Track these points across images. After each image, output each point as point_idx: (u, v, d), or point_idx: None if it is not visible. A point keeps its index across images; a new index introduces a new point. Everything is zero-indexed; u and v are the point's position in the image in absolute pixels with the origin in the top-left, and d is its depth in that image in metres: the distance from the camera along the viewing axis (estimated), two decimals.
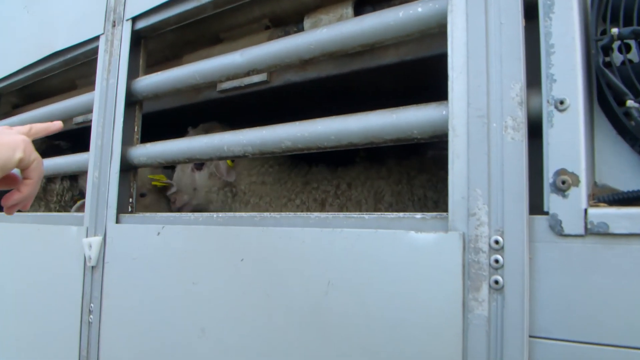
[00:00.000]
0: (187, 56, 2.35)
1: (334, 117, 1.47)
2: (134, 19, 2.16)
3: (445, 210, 1.19)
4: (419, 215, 1.25)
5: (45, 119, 2.69)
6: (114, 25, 2.26)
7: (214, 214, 1.71)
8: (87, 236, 2.18)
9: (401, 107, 1.34)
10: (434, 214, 1.25)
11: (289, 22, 1.99)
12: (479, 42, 1.21)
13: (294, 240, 1.42)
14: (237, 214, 1.67)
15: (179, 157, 1.89)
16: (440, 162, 2.39)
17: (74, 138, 3.43)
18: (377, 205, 2.33)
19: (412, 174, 2.36)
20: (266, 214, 1.58)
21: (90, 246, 2.12)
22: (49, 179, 3.58)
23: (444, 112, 1.26)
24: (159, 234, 1.84)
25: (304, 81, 1.93)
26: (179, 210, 2.86)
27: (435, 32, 1.37)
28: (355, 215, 1.35)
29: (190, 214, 1.81)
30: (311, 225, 1.43)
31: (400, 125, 1.33)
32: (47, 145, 3.47)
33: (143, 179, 3.07)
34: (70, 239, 2.27)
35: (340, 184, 2.41)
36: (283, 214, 1.54)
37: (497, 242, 1.12)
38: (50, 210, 3.61)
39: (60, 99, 2.65)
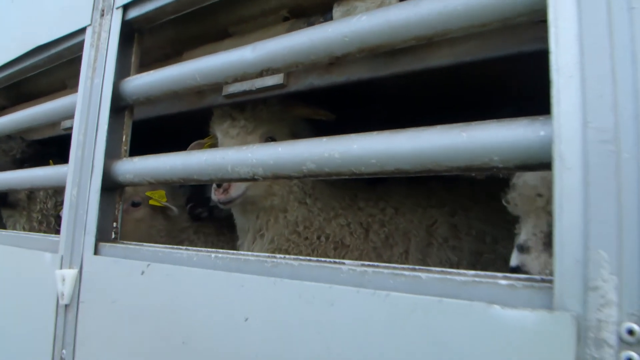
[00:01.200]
0: (189, 53, 1.98)
1: (375, 133, 1.09)
2: (125, 7, 1.80)
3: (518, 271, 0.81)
4: (503, 280, 0.86)
5: (24, 123, 2.32)
6: (102, 15, 1.90)
7: (212, 254, 1.32)
8: (61, 267, 1.81)
9: (475, 123, 0.95)
10: (526, 278, 0.86)
11: (314, 12, 1.61)
12: (598, 34, 0.82)
13: (319, 302, 1.04)
14: (243, 254, 1.29)
15: (173, 177, 1.51)
16: (493, 189, 2.01)
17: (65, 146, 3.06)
18: (429, 239, 1.94)
19: (466, 204, 1.97)
20: (280, 258, 1.20)
21: (64, 280, 1.75)
22: None
23: (542, 133, 0.88)
24: (143, 273, 1.47)
25: (329, 86, 1.55)
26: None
27: (521, 21, 0.99)
28: (407, 273, 0.96)
29: (183, 250, 1.43)
30: (343, 281, 1.04)
31: (472, 149, 0.94)
32: (33, 153, 3.11)
33: None
34: (43, 268, 1.90)
35: (385, 208, 2.03)
36: (304, 259, 1.15)
37: (631, 332, 0.74)
38: (32, 222, 3.24)
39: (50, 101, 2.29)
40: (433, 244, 1.93)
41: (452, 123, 1.01)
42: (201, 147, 2.15)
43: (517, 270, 1.26)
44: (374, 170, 1.07)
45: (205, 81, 1.49)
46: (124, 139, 1.82)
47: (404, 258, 1.95)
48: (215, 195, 1.97)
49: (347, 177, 1.14)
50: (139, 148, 2.40)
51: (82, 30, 1.99)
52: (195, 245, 2.68)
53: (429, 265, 1.88)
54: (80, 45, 1.98)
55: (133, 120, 1.97)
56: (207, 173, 1.40)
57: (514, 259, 1.28)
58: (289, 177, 1.23)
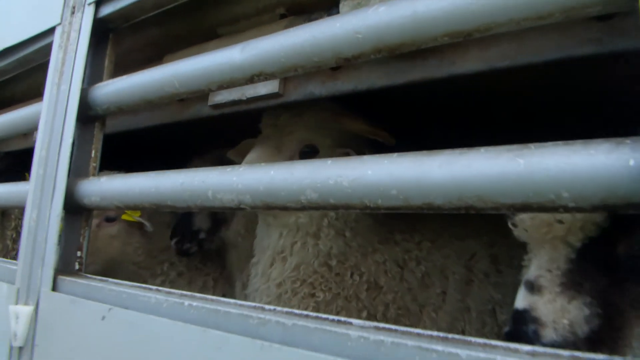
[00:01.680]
0: (171, 56, 1.73)
1: (396, 155, 0.84)
2: (98, 3, 1.55)
3: None
4: None
5: None
6: (73, 12, 1.65)
7: (186, 301, 1.06)
8: (16, 302, 1.55)
9: (536, 146, 0.70)
10: None
11: (316, 8, 1.37)
12: None
13: None
14: (224, 303, 1.03)
15: (143, 201, 1.26)
16: None
17: None
18: (469, 275, 1.67)
19: (502, 231, 1.69)
20: (270, 311, 0.94)
21: (17, 318, 1.48)
22: None
23: (633, 163, 0.63)
24: (104, 318, 1.20)
25: (333, 96, 1.31)
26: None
27: (589, 13, 0.75)
28: (439, 347, 0.70)
29: (151, 292, 1.17)
30: (351, 353, 0.78)
31: (533, 181, 0.69)
32: (5, 167, 2.84)
33: None
34: None
35: (422, 241, 1.75)
36: (299, 315, 0.90)
37: None
38: (5, 239, 2.98)
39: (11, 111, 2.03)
40: (473, 281, 1.67)
41: (493, 144, 0.77)
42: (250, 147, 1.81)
43: (523, 313, 1.00)
44: (395, 204, 0.82)
45: (186, 88, 1.24)
46: (92, 155, 1.56)
47: (442, 300, 1.67)
48: None
49: (358, 210, 0.89)
50: (119, 165, 2.16)
51: (51, 30, 1.74)
52: (177, 269, 2.40)
53: (469, 307, 1.62)
54: (50, 47, 1.74)
55: (108, 133, 1.73)
56: (182, 199, 1.14)
57: (521, 300, 1.01)
58: (284, 208, 0.98)
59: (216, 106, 1.53)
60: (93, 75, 1.62)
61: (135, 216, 2.23)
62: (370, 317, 1.62)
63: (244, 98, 1.45)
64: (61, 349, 1.33)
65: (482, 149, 0.76)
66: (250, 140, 1.83)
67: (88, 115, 1.55)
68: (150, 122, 1.76)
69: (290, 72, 1.05)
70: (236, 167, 1.06)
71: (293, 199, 0.94)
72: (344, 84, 1.26)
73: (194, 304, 1.04)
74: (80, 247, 1.54)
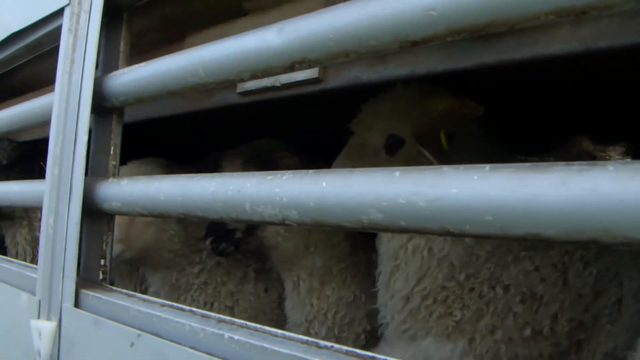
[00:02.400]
0: (192, 37, 1.55)
1: (489, 168, 0.66)
2: None
3: None
4: None
5: None
6: None
7: (226, 332, 0.91)
8: (38, 316, 1.42)
9: None
10: None
11: None
12: None
13: None
14: (269, 336, 0.87)
15: (169, 211, 1.10)
16: None
17: None
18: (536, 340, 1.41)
19: (575, 262, 1.45)
20: (335, 353, 0.78)
21: (40, 335, 1.36)
22: None
23: None
24: (132, 345, 1.06)
25: (384, 81, 1.12)
26: None
27: None
28: None
29: (184, 317, 1.02)
30: None
31: None
32: (21, 156, 2.71)
33: None
34: (18, 313, 1.52)
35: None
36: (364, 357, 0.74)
37: None
38: (34, 231, 2.86)
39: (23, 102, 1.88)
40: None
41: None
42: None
43: None
44: (489, 232, 0.64)
45: (213, 77, 1.06)
46: (111, 152, 1.41)
47: (617, 310, 1.42)
48: None
49: (437, 235, 0.71)
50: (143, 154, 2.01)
51: (60, 12, 1.57)
52: (215, 258, 2.22)
53: None
54: (59, 31, 1.57)
55: (126, 123, 1.57)
56: (214, 210, 0.98)
57: None
58: (340, 228, 0.81)
59: (245, 93, 1.35)
60: (107, 61, 1.45)
61: None
62: (536, 333, 1.39)
63: (278, 84, 1.27)
64: None
65: (610, 165, 0.58)
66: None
67: (104, 107, 1.39)
68: (170, 111, 1.59)
69: (340, 59, 0.86)
70: (278, 174, 0.89)
71: (351, 218, 0.77)
72: (398, 68, 1.07)
73: (236, 337, 0.88)
74: (103, 254, 1.40)
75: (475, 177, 0.66)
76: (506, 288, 1.41)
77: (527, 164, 0.64)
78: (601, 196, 0.56)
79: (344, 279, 1.89)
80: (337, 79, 1.18)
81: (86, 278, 1.38)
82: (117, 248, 2.07)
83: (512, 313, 1.40)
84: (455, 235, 0.68)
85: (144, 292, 2.41)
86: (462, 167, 0.69)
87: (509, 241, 1.44)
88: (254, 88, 1.32)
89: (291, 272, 1.96)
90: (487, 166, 0.66)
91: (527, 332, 1.39)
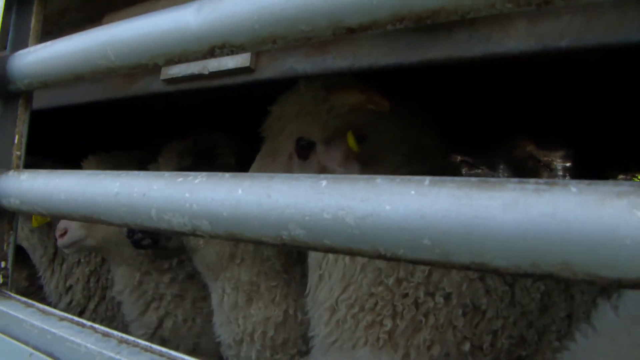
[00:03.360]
0: (110, 16, 1.38)
1: (428, 182, 0.55)
2: None
3: None
4: None
5: None
6: None
7: (124, 357, 0.78)
8: None
9: None
10: None
11: None
12: None
13: None
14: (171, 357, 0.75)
15: (70, 212, 0.95)
16: None
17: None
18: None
19: None
20: None
21: None
22: None
23: None
24: None
25: (322, 74, 1.00)
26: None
27: None
28: None
29: (83, 336, 0.88)
30: None
31: None
32: None
33: None
34: None
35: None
36: None
37: None
38: None
39: None
40: None
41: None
42: None
43: None
44: (427, 257, 0.54)
45: (123, 61, 0.92)
46: (16, 141, 1.23)
47: (566, 325, 1.32)
48: None
49: (368, 257, 0.60)
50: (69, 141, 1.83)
51: None
52: (186, 269, 2.07)
53: None
54: None
55: (42, 108, 1.41)
56: (117, 215, 0.84)
57: None
58: (259, 243, 0.69)
59: (170, 81, 1.21)
60: (16, 39, 1.28)
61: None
62: (475, 349, 1.29)
63: (206, 72, 1.13)
64: None
65: (573, 186, 0.48)
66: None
67: (8, 90, 1.22)
68: (87, 97, 1.43)
69: (267, 45, 0.74)
70: (190, 176, 0.76)
71: (270, 233, 0.65)
72: (337, 60, 0.96)
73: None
74: (4, 256, 1.23)
75: (412, 192, 0.55)
76: (447, 297, 1.31)
77: (473, 179, 0.53)
78: (561, 223, 0.47)
79: (273, 297, 1.70)
80: (270, 69, 1.06)
81: None
82: (79, 233, 1.93)
83: (452, 326, 1.31)
84: (388, 259, 0.57)
85: None
86: (397, 179, 0.58)
87: None
88: (179, 75, 1.18)
89: (215, 283, 1.78)
90: (427, 179, 0.56)
91: (466, 347, 1.30)
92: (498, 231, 0.49)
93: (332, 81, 1.29)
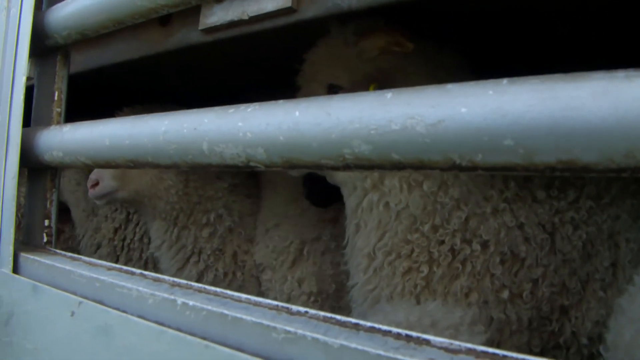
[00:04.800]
0: None
1: (507, 82, 0.51)
2: None
3: None
4: None
5: None
6: None
7: (179, 297, 0.76)
8: None
9: None
10: None
11: None
12: None
13: None
14: (232, 301, 0.73)
15: (116, 158, 0.93)
16: None
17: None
18: None
19: (565, 223, 1.31)
20: (303, 317, 0.64)
21: None
22: None
23: None
24: (73, 314, 0.91)
25: (369, 8, 0.96)
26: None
27: None
28: None
29: (134, 281, 0.87)
30: None
31: None
32: None
33: None
34: None
35: (579, 199, 1.33)
36: (349, 328, 0.60)
37: None
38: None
39: None
40: None
41: None
42: None
43: None
44: (509, 161, 0.50)
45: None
46: (55, 98, 1.23)
47: (612, 274, 1.30)
48: None
49: (440, 170, 0.57)
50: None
51: None
52: (225, 223, 2.04)
53: None
54: None
55: (78, 72, 1.40)
56: (167, 154, 0.82)
57: None
58: (318, 167, 0.66)
59: (209, 30, 1.18)
60: None
61: None
62: (514, 296, 1.28)
63: (246, 17, 1.10)
64: (23, 348, 1.04)
65: None
66: None
67: (46, 45, 1.21)
68: (124, 55, 1.41)
69: None
70: (242, 107, 0.73)
71: (331, 153, 0.62)
72: None
73: (190, 303, 0.73)
74: (47, 214, 1.23)
75: (490, 91, 0.51)
76: (484, 245, 1.28)
77: (558, 74, 0.49)
78: None
79: None
80: (313, 8, 1.02)
81: (27, 241, 1.22)
82: (111, 185, 1.88)
83: (490, 274, 1.28)
84: (463, 169, 0.53)
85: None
86: (471, 82, 0.54)
87: (483, 189, 1.32)
88: (219, 23, 1.14)
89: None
90: (505, 79, 0.52)
91: (505, 294, 1.28)
92: (587, 121, 0.45)
93: (362, 25, 1.26)
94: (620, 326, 1.04)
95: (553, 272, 1.29)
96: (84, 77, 1.54)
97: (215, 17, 1.16)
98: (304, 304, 1.73)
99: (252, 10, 1.09)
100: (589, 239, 1.31)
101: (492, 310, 1.27)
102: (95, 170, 1.86)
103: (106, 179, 1.87)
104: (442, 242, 1.29)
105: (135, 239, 2.33)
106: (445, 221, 1.28)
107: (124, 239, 2.33)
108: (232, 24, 1.14)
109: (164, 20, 1.31)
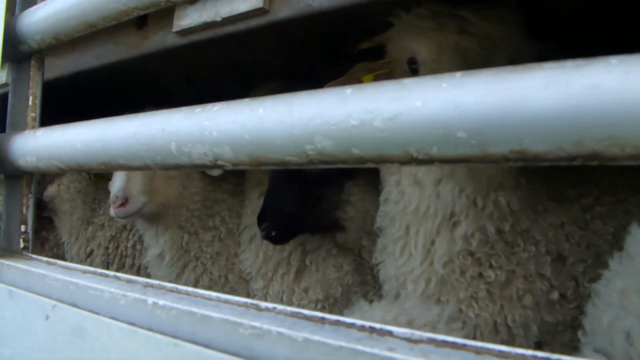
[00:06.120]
0: None
1: (460, 75, 0.52)
2: None
3: None
4: None
5: None
6: None
7: (150, 297, 0.76)
8: None
9: None
10: None
11: None
12: None
13: None
14: (201, 299, 0.73)
15: (89, 162, 0.94)
16: None
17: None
18: None
19: (595, 218, 1.34)
20: (271, 312, 0.64)
21: None
22: None
23: None
24: (47, 317, 0.91)
25: (340, 7, 0.97)
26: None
27: None
28: None
29: (107, 283, 0.87)
30: None
31: None
32: None
33: None
34: None
35: (601, 196, 1.35)
36: (315, 323, 0.60)
37: None
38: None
39: None
40: None
41: None
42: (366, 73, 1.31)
43: None
44: (463, 153, 0.51)
45: (136, 2, 0.89)
46: (30, 102, 1.23)
47: None
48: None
49: (398, 164, 0.57)
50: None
51: None
52: (227, 226, 2.05)
53: None
54: None
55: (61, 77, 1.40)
56: (138, 156, 0.82)
57: None
58: (282, 164, 0.66)
59: (183, 32, 1.19)
60: (24, 1, 1.27)
61: None
62: (562, 298, 1.26)
63: (219, 19, 1.10)
64: (1, 355, 1.03)
65: (612, 58, 0.45)
66: (365, 65, 1.31)
67: (19, 51, 1.21)
68: (102, 60, 1.41)
69: None
70: (209, 106, 0.74)
71: (295, 150, 0.63)
72: None
73: (161, 302, 0.74)
74: (24, 219, 1.23)
75: (444, 84, 0.52)
76: (537, 244, 1.27)
77: (509, 66, 0.50)
78: (605, 95, 0.43)
79: None
80: (285, 8, 1.02)
81: (5, 247, 1.22)
82: (142, 200, 1.83)
83: (541, 276, 1.27)
84: (421, 162, 0.54)
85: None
86: (427, 77, 0.55)
87: (543, 184, 1.31)
88: (193, 25, 1.15)
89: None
90: (460, 72, 0.52)
91: (554, 296, 1.26)
92: (537, 111, 0.46)
93: None
94: (597, 311, 1.05)
95: (591, 267, 1.29)
96: (73, 82, 1.55)
97: (189, 19, 1.17)
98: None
99: (225, 11, 1.09)
100: (615, 232, 1.31)
101: (542, 313, 1.26)
102: (119, 187, 1.80)
103: (135, 195, 1.82)
104: (508, 243, 1.27)
105: (129, 246, 2.33)
106: (517, 222, 1.28)
107: (117, 247, 2.33)
108: (206, 26, 1.14)
109: (140, 23, 1.32)
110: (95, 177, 2.38)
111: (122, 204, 1.79)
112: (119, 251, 2.32)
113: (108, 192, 2.29)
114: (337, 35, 1.26)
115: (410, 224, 1.30)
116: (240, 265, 1.98)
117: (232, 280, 2.01)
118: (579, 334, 1.11)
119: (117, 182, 1.84)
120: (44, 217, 2.45)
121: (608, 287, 1.05)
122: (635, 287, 0.94)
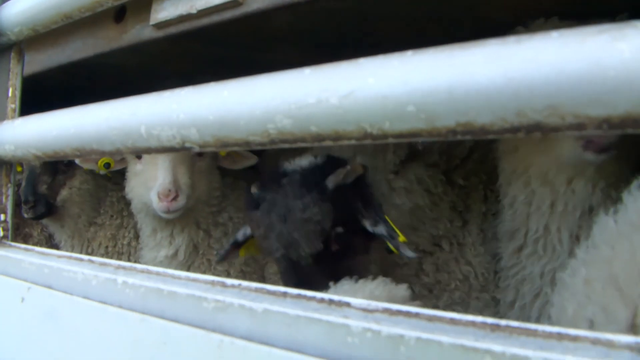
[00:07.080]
0: None
1: (411, 53, 0.54)
2: None
3: None
4: None
5: None
6: None
7: (120, 277, 0.78)
8: None
9: None
10: None
11: None
12: None
13: None
14: (169, 277, 0.75)
15: (64, 147, 0.95)
16: None
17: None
18: None
19: None
20: (235, 289, 0.66)
21: None
22: None
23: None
24: (23, 300, 0.92)
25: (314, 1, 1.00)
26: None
27: None
28: None
29: (81, 265, 0.88)
30: (351, 355, 0.52)
31: None
32: None
33: None
34: None
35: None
36: (275, 296, 0.63)
37: None
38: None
39: None
40: None
41: None
42: None
43: None
44: (413, 127, 0.53)
45: None
46: (9, 93, 1.24)
47: None
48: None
49: (354, 141, 0.60)
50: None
51: None
52: (232, 222, 2.05)
53: None
54: None
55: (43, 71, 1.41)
56: (110, 141, 0.84)
57: None
58: (246, 144, 0.68)
59: (160, 25, 1.20)
60: None
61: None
62: None
63: (194, 11, 1.12)
64: None
65: (554, 32, 0.47)
66: None
67: None
68: (80, 54, 1.42)
69: None
70: (177, 90, 0.76)
71: (257, 129, 0.65)
72: None
73: (130, 281, 0.76)
74: (3, 208, 1.24)
75: (396, 62, 0.54)
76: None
77: (456, 44, 0.53)
78: (544, 66, 0.46)
79: None
80: (259, 1, 1.05)
81: None
82: (187, 194, 1.78)
83: None
84: (375, 138, 0.56)
85: None
86: (381, 56, 0.57)
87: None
88: (169, 17, 1.17)
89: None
90: (410, 51, 0.55)
91: None
92: (480, 84, 0.49)
93: None
94: (563, 300, 1.08)
95: None
96: (55, 75, 1.56)
97: (165, 12, 1.18)
98: None
99: (200, 4, 1.11)
100: None
101: None
102: (170, 180, 1.74)
103: (184, 188, 1.78)
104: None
105: (125, 243, 2.33)
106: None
107: (115, 245, 2.34)
108: (182, 18, 1.16)
109: (118, 17, 1.33)
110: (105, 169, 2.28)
111: (174, 198, 1.72)
112: (117, 249, 2.32)
113: (107, 190, 2.31)
114: (312, 28, 1.29)
115: (549, 223, 1.35)
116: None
117: (233, 276, 2.01)
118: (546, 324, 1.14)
119: (164, 174, 1.75)
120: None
121: (573, 276, 1.08)
122: (599, 276, 0.97)
